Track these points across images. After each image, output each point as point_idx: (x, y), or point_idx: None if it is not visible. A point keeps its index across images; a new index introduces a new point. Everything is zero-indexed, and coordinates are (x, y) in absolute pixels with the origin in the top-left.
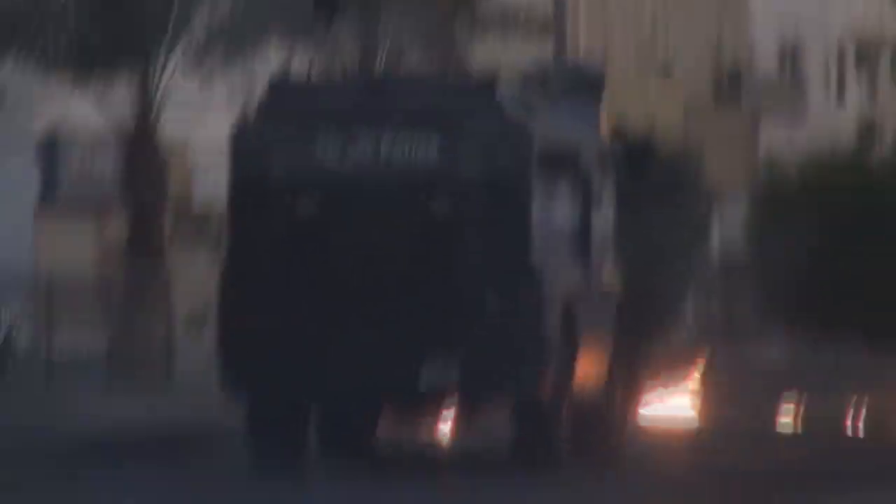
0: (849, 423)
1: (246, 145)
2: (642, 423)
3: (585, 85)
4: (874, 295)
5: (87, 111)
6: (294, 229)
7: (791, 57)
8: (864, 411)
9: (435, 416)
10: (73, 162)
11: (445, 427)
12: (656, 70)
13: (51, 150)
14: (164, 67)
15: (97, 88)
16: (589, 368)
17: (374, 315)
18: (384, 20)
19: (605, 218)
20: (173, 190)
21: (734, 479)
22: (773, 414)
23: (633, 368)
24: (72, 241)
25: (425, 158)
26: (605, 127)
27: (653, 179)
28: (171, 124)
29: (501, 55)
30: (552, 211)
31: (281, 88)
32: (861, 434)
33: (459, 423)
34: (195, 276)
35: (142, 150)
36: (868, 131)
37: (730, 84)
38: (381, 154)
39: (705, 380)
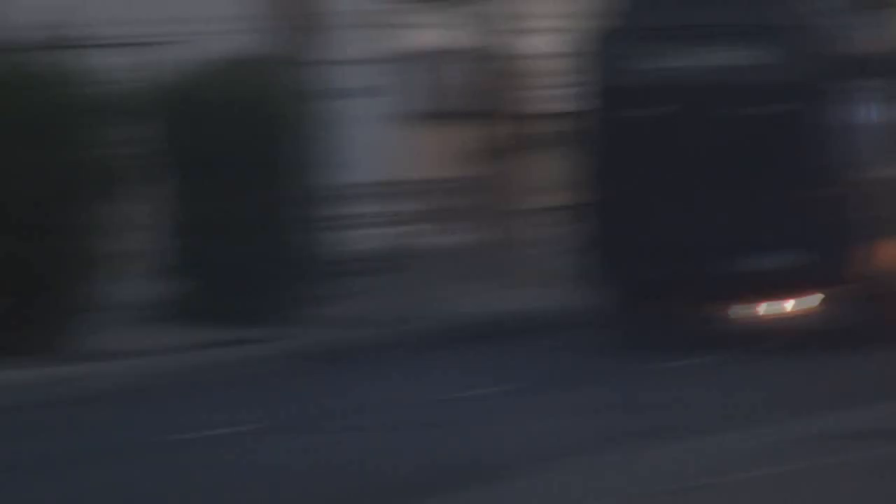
0: None
1: (608, 52)
2: None
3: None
4: None
5: (437, 31)
6: (654, 128)
7: None
8: None
9: (781, 295)
10: (427, 76)
11: (792, 304)
12: None
13: (409, 67)
14: None
15: (447, 10)
16: (890, 252)
17: (727, 204)
18: None
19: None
20: (518, 98)
21: None
22: None
23: None
24: (432, 147)
25: (763, 64)
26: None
27: None
28: (526, 36)
29: None
30: (862, 110)
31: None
32: None
33: (802, 300)
34: (545, 175)
35: (490, 61)
36: None
37: None
38: (725, 60)
39: None
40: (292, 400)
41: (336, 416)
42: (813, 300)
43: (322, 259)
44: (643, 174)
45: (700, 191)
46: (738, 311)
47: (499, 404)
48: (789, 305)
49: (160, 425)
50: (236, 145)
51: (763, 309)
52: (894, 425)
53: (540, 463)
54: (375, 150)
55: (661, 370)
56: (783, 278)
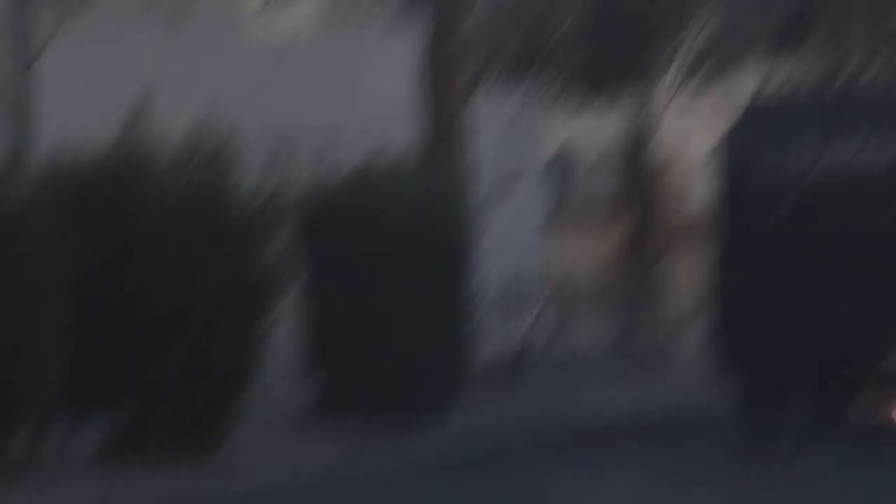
0: None
1: (734, 153)
2: None
3: None
4: None
5: (588, 130)
6: (776, 228)
7: None
8: None
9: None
10: (577, 177)
11: None
12: None
13: (558, 168)
14: (659, 86)
15: (598, 109)
16: None
17: (849, 303)
18: (849, 32)
19: None
20: (668, 197)
21: None
22: None
23: None
24: (578, 246)
25: (888, 161)
26: None
27: None
28: (665, 137)
29: None
30: None
31: (762, 101)
32: None
33: None
34: (688, 275)
35: (639, 163)
36: None
37: None
38: (849, 159)
39: None
40: None
41: None
42: None
43: (470, 362)
44: (766, 271)
45: (820, 291)
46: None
47: None
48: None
49: None
50: (388, 247)
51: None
52: None
53: None
54: (525, 252)
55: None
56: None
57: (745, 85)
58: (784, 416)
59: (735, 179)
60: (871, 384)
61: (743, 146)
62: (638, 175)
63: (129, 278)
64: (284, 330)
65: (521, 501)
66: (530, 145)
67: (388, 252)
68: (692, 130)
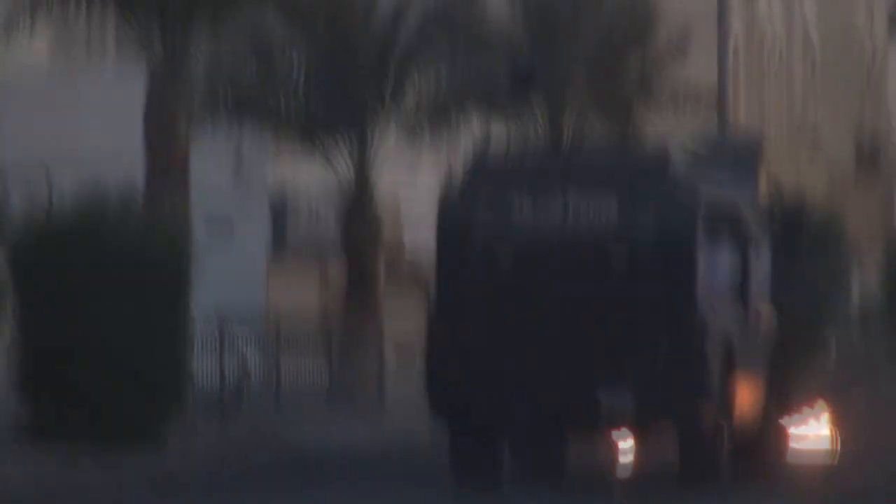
0: None
1: (452, 208)
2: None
3: (747, 155)
4: None
5: (311, 170)
6: (492, 277)
7: None
8: None
9: (611, 441)
10: (299, 213)
11: (621, 450)
12: (805, 141)
13: (281, 203)
14: (378, 135)
15: (320, 154)
16: (746, 398)
17: (560, 355)
18: (569, 95)
19: (761, 269)
20: (385, 237)
21: (866, 500)
22: None
23: (784, 398)
24: (298, 281)
25: (606, 217)
26: (762, 190)
27: (804, 237)
28: (384, 183)
29: (672, 126)
30: (715, 263)
31: (482, 159)
32: None
33: (632, 446)
34: (404, 311)
35: (360, 202)
36: None
37: (869, 151)
38: (569, 213)
39: (841, 411)
40: None
41: None
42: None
43: (187, 390)
44: (478, 324)
45: (531, 343)
46: (562, 455)
47: None
48: (610, 451)
49: None
50: (103, 277)
51: (586, 454)
52: None
53: None
54: (242, 282)
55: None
56: (617, 418)
57: (465, 141)
58: (495, 457)
59: (454, 232)
60: (581, 429)
61: (463, 201)
62: (357, 223)
63: None
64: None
65: None
66: (254, 188)
67: (104, 283)
68: (412, 183)
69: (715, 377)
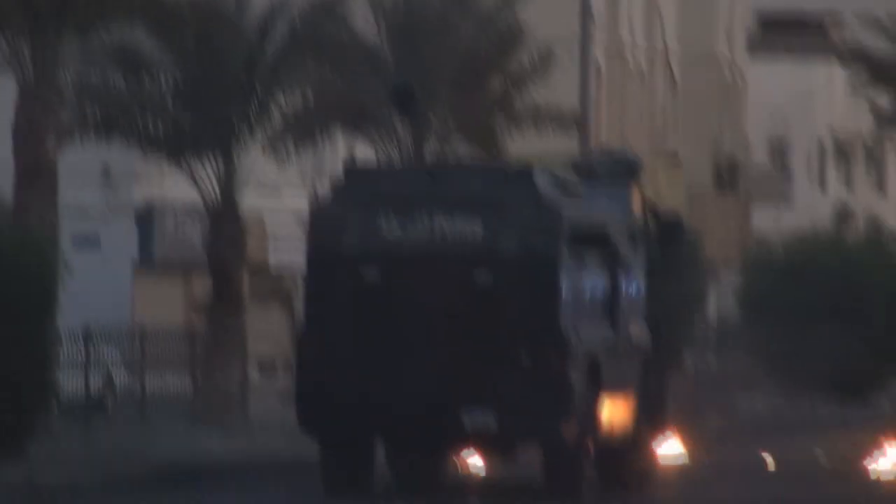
0: (820, 459)
1: (321, 223)
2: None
3: (624, 171)
4: (844, 356)
5: (178, 186)
6: (360, 294)
7: (780, 150)
8: (831, 450)
9: (474, 453)
10: (165, 229)
11: (483, 463)
12: (664, 159)
13: (147, 219)
14: (244, 150)
15: (187, 167)
16: (615, 416)
17: (424, 367)
18: (435, 114)
19: (632, 284)
20: (250, 254)
21: None
22: (756, 453)
23: (649, 414)
24: (163, 296)
25: (471, 236)
26: (638, 206)
27: (676, 252)
28: (249, 198)
29: (534, 144)
30: (582, 279)
31: (350, 175)
32: (828, 468)
33: (495, 459)
34: (268, 328)
35: (225, 220)
36: (844, 216)
37: (727, 172)
38: (434, 232)
39: (698, 424)
40: None
41: None
42: (493, 460)
43: (52, 397)
44: (347, 336)
45: (397, 356)
46: (428, 467)
47: None
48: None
49: None
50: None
51: (451, 466)
52: None
53: None
54: (108, 295)
55: None
56: (481, 437)
57: (331, 160)
58: (364, 470)
59: (322, 248)
60: (445, 446)
61: (332, 217)
62: (222, 239)
63: None
64: None
65: None
66: (121, 203)
67: None
68: (277, 201)
69: (578, 397)
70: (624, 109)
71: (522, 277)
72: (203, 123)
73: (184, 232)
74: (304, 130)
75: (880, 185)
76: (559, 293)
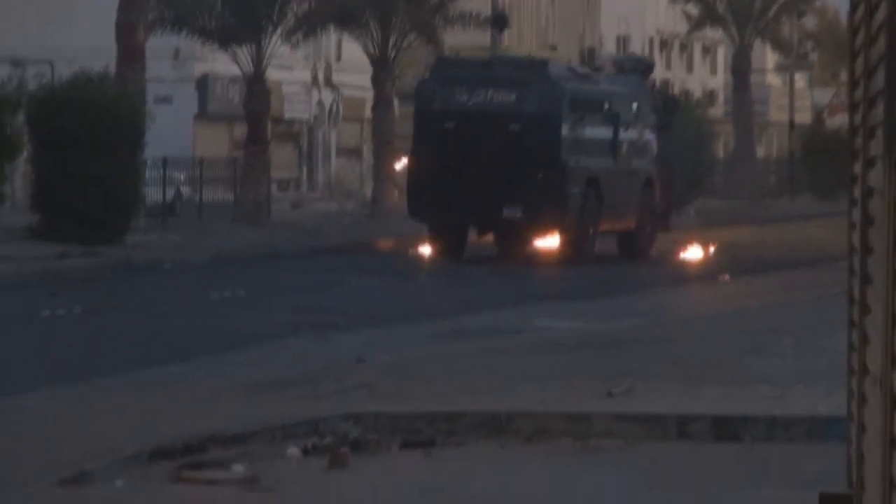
0: None
1: (422, 92)
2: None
3: (642, 67)
4: None
5: (224, 63)
6: (444, 135)
7: (623, 43)
8: None
9: (510, 233)
10: (216, 92)
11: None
12: (549, 48)
13: (203, 85)
14: (269, 39)
15: (231, 50)
16: (614, 212)
17: (480, 180)
18: (395, 17)
19: (635, 134)
20: (272, 109)
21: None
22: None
23: (652, 212)
24: (214, 137)
25: (508, 102)
26: (650, 89)
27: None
28: (272, 72)
29: (461, 39)
30: (583, 129)
31: (439, 62)
32: None
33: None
34: (284, 159)
35: (255, 86)
36: (664, 87)
37: (588, 59)
38: (487, 98)
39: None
40: (106, 295)
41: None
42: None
43: (140, 205)
44: (436, 159)
45: (466, 172)
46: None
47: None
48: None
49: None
50: (90, 129)
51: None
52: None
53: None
54: (177, 136)
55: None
56: (507, 223)
57: (328, 43)
58: (457, 240)
59: (423, 105)
60: (491, 224)
61: (428, 88)
62: (254, 99)
63: None
64: (20, 179)
65: (178, 294)
66: (186, 75)
67: (88, 132)
68: (292, 70)
69: (575, 199)
70: (521, 15)
71: (538, 126)
72: (242, 21)
73: (228, 94)
74: (309, 27)
75: (689, 68)
76: (560, 135)
